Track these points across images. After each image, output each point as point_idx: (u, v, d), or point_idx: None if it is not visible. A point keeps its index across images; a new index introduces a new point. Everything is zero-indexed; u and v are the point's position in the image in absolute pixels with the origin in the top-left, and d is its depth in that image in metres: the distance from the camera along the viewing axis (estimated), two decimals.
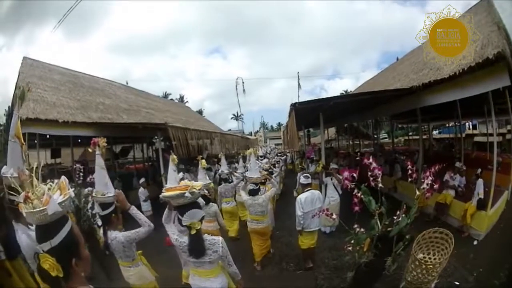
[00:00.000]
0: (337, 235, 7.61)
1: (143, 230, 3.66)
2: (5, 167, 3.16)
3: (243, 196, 6.97)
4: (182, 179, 4.51)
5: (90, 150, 4.06)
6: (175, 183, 3.92)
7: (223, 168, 9.55)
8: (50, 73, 14.11)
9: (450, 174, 9.12)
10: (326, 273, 6.45)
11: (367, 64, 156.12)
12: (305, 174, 7.09)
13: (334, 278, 6.16)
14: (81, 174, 9.33)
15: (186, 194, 3.13)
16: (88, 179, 8.89)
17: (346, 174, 4.36)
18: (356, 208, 4.18)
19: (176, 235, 3.42)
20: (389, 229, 4.13)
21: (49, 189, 1.62)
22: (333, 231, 8.26)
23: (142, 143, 22.21)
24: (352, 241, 4.37)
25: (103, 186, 3.78)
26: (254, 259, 6.93)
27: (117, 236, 3.59)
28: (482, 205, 7.73)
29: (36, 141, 11.04)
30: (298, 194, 6.91)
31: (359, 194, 4.16)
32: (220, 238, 3.43)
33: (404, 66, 14.27)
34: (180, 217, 3.22)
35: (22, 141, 3.35)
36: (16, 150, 3.19)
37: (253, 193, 6.77)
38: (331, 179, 8.49)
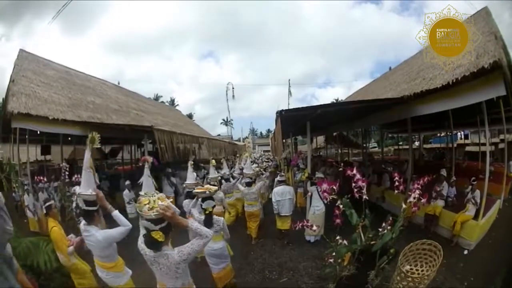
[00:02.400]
0: (322, 244, 7.50)
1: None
2: (78, 187, 4.85)
3: (241, 187, 9.41)
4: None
5: (140, 164, 6.82)
6: (193, 181, 7.81)
7: (225, 170, 11.63)
8: (44, 68, 13.92)
9: (436, 188, 9.00)
10: (309, 283, 6.35)
11: (360, 73, 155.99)
12: (281, 174, 10.34)
13: None
14: (67, 173, 9.29)
15: (207, 192, 5.29)
16: (74, 178, 8.83)
17: (324, 186, 4.25)
18: (338, 221, 4.10)
19: (197, 214, 5.37)
20: (372, 242, 4.04)
21: (154, 200, 3.03)
22: (318, 240, 8.15)
23: (131, 145, 22.05)
24: (334, 253, 4.30)
25: (150, 189, 5.62)
26: (250, 235, 9.11)
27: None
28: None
29: (26, 137, 10.87)
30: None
31: (340, 207, 4.09)
32: (222, 218, 5.59)
33: (396, 76, 14.14)
34: (201, 203, 5.20)
35: (94, 171, 4.66)
36: (91, 177, 4.44)
37: (248, 184, 9.17)
38: (316, 188, 8.39)
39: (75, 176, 8.78)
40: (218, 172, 10.92)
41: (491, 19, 8.29)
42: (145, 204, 2.97)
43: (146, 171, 6.07)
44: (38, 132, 10.61)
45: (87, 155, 4.52)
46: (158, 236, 2.91)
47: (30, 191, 9.57)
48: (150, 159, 6.42)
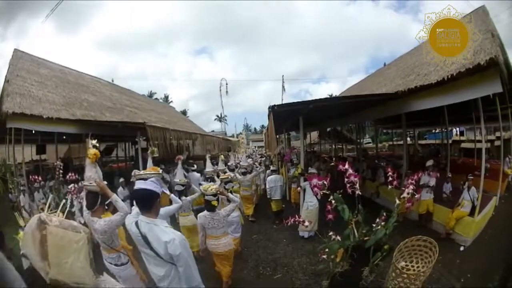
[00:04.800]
0: (316, 240, 7.33)
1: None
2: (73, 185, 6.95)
3: (238, 176, 10.64)
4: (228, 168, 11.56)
5: (175, 161, 8.35)
6: (211, 169, 9.93)
7: (231, 162, 13.99)
8: (38, 67, 13.91)
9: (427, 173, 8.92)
10: (303, 279, 6.29)
11: (354, 69, 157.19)
12: (274, 165, 13.46)
13: (312, 284, 6.01)
14: (61, 171, 9.24)
15: (229, 177, 7.43)
16: (68, 176, 8.78)
17: (315, 181, 4.23)
18: (330, 216, 4.08)
19: None
20: (366, 238, 4.02)
21: (211, 185, 5.71)
22: (312, 235, 8.13)
23: (125, 142, 21.99)
24: (327, 250, 4.28)
25: (182, 176, 7.57)
26: (245, 213, 10.33)
27: (186, 198, 7.02)
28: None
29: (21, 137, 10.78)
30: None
31: (332, 202, 4.07)
32: (238, 194, 7.54)
33: (391, 72, 14.15)
34: (225, 185, 6.98)
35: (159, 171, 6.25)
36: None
37: (244, 174, 10.71)
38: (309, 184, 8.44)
39: (70, 174, 8.72)
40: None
41: (488, 17, 8.26)
42: (208, 187, 5.48)
43: (179, 165, 7.97)
44: (33, 132, 10.57)
45: (149, 162, 6.97)
46: (215, 203, 5.38)
47: (26, 191, 9.50)
48: (182, 157, 8.72)
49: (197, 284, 3.14)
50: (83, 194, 8.22)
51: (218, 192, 5.55)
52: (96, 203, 4.00)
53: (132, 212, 3.72)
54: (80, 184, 8.61)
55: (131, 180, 6.93)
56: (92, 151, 4.04)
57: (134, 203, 3.64)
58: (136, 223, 3.09)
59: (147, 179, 3.63)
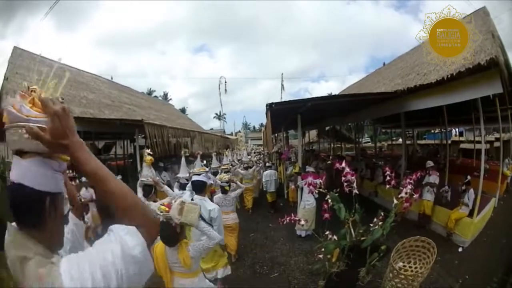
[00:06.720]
0: (313, 239, 7.28)
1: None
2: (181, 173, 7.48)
3: (240, 171, 11.80)
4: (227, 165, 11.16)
5: (196, 155, 9.18)
6: (217, 165, 10.41)
7: (230, 158, 14.11)
8: (38, 64, 13.68)
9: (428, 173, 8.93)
10: (300, 278, 6.30)
11: (354, 68, 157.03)
12: (270, 162, 15.58)
13: (308, 283, 6.02)
14: None
15: (227, 168, 9.86)
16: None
17: (309, 179, 4.20)
18: (326, 215, 4.03)
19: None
20: (362, 238, 3.97)
21: (224, 175, 7.42)
22: (309, 234, 8.05)
23: (124, 140, 21.90)
24: (323, 249, 4.23)
25: (200, 167, 7.67)
26: (247, 206, 11.76)
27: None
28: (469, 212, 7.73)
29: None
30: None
31: (329, 201, 4.02)
32: (242, 187, 8.08)
33: (390, 71, 14.14)
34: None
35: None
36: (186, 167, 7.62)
37: (246, 168, 12.16)
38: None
39: (67, 171, 8.65)
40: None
41: (488, 18, 8.22)
42: (223, 177, 7.09)
43: (199, 158, 8.47)
44: None
45: (183, 161, 7.69)
46: (228, 188, 6.95)
47: None
48: (201, 152, 10.03)
49: (223, 237, 5.19)
50: (82, 191, 8.31)
51: (230, 180, 7.32)
52: (151, 193, 5.46)
53: (185, 195, 5.88)
54: (77, 181, 8.61)
55: (189, 175, 7.64)
56: (149, 158, 5.59)
57: (190, 188, 5.99)
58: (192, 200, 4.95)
59: (200, 174, 6.18)
